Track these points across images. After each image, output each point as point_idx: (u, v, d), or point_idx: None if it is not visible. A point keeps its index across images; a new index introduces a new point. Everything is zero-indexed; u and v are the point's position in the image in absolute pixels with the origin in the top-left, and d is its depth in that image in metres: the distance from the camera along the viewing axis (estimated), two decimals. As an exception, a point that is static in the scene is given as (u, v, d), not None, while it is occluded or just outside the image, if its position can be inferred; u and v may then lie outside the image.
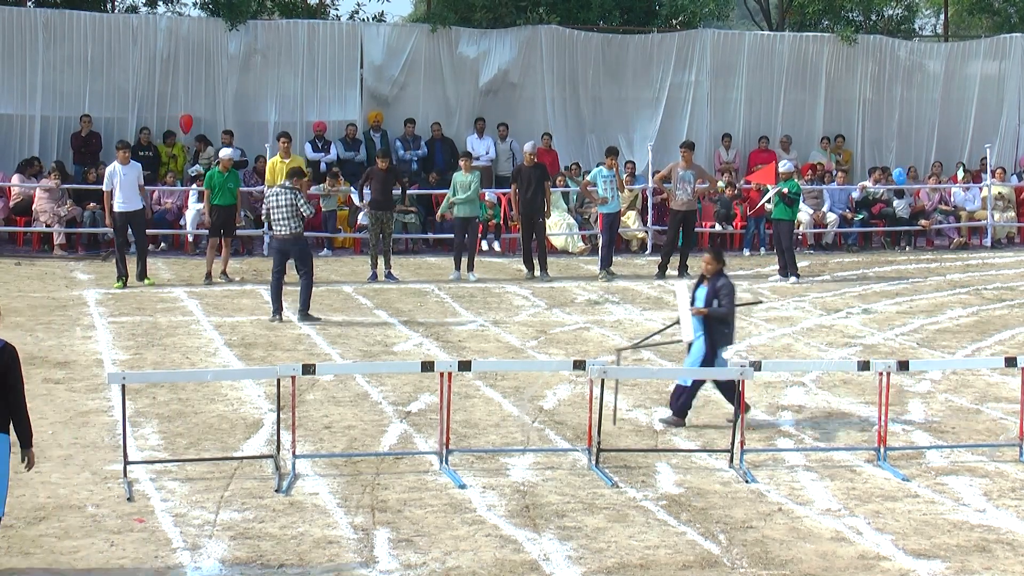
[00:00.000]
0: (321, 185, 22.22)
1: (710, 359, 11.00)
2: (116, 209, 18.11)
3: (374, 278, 19.08)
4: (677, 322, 11.52)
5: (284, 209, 15.54)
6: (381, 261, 19.27)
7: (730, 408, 10.95)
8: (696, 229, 21.42)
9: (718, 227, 23.79)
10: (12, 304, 16.35)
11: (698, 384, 11.23)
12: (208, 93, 23.89)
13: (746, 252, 23.02)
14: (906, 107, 27.24)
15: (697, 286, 11.27)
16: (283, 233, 15.62)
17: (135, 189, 18.27)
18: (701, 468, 10.07)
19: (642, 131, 25.64)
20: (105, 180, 18.41)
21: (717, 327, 11.00)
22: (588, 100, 25.66)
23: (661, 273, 19.98)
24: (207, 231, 19.39)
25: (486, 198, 22.59)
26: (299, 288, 15.75)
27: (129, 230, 18.24)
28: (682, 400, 11.23)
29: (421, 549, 8.20)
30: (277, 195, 15.68)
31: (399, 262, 20.60)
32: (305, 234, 16.15)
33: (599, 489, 9.48)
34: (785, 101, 26.57)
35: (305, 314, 15.65)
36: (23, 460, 7.61)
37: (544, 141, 24.21)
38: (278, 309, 15.63)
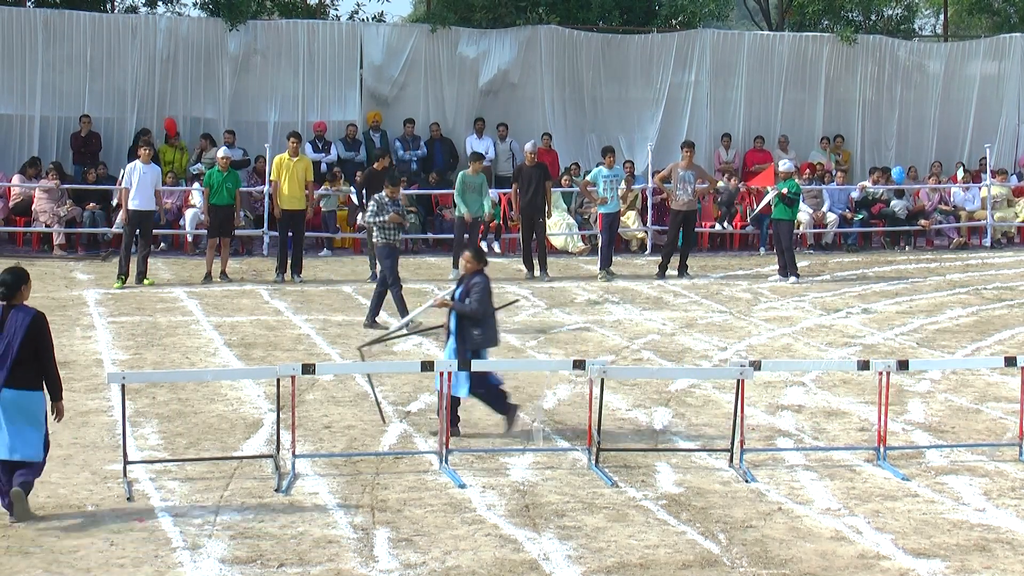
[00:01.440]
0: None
1: (462, 360, 10.48)
2: (130, 207, 18.16)
3: (374, 277, 19.09)
4: (441, 326, 11.15)
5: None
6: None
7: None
8: (696, 229, 21.42)
9: (718, 227, 23.81)
10: (12, 304, 16.35)
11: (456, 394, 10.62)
12: (208, 93, 23.88)
13: (762, 251, 22.95)
14: (906, 107, 27.24)
15: (458, 284, 10.98)
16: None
17: (151, 190, 18.34)
18: (701, 468, 10.08)
19: (642, 131, 25.63)
20: (124, 177, 18.51)
21: (467, 327, 10.66)
22: (588, 100, 25.66)
23: (661, 273, 19.99)
24: (206, 231, 19.42)
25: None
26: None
27: (137, 231, 18.30)
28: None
29: (421, 549, 8.20)
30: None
31: (399, 262, 20.56)
32: (385, 244, 15.51)
33: (599, 489, 9.48)
34: (785, 101, 26.58)
35: (372, 321, 15.47)
36: (53, 413, 8.74)
37: (544, 141, 24.19)
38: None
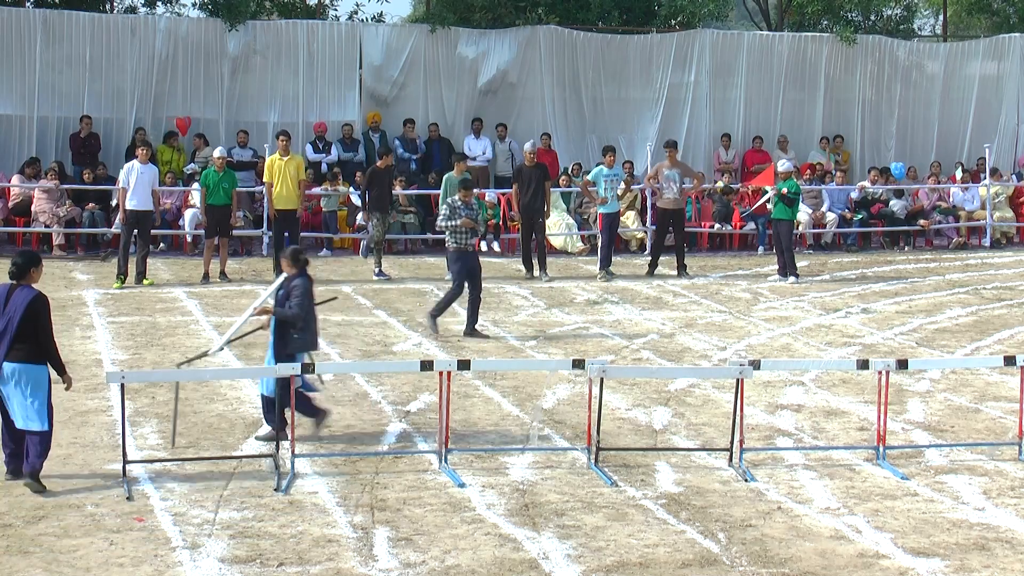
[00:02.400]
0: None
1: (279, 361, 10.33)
2: (128, 207, 18.17)
3: (380, 275, 19.17)
4: (261, 328, 11.02)
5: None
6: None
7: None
8: (695, 229, 21.40)
9: (717, 226, 23.81)
10: (11, 304, 16.35)
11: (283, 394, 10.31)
12: (207, 93, 23.87)
13: (761, 251, 23.00)
14: (905, 107, 27.22)
15: (280, 288, 10.83)
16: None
17: (149, 190, 18.34)
18: (700, 467, 10.08)
19: (642, 131, 25.62)
20: (121, 177, 18.51)
21: (287, 330, 10.54)
22: (588, 100, 25.65)
23: (651, 271, 20.09)
24: (204, 231, 19.44)
25: (486, 198, 22.58)
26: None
27: (136, 231, 18.30)
28: (278, 410, 10.34)
29: (420, 548, 8.20)
30: None
31: (398, 262, 20.63)
32: (456, 249, 15.15)
33: (598, 488, 9.48)
34: (784, 101, 26.56)
35: (471, 329, 15.20)
36: (63, 382, 9.35)
37: (544, 141, 24.19)
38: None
